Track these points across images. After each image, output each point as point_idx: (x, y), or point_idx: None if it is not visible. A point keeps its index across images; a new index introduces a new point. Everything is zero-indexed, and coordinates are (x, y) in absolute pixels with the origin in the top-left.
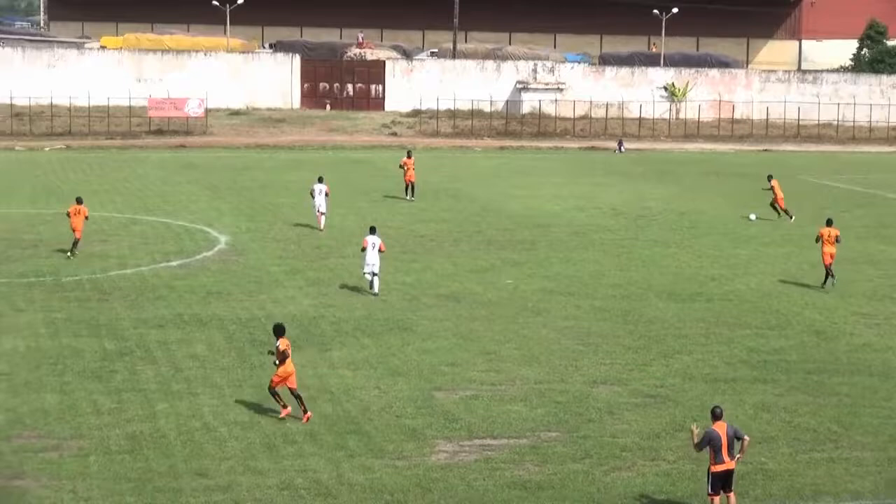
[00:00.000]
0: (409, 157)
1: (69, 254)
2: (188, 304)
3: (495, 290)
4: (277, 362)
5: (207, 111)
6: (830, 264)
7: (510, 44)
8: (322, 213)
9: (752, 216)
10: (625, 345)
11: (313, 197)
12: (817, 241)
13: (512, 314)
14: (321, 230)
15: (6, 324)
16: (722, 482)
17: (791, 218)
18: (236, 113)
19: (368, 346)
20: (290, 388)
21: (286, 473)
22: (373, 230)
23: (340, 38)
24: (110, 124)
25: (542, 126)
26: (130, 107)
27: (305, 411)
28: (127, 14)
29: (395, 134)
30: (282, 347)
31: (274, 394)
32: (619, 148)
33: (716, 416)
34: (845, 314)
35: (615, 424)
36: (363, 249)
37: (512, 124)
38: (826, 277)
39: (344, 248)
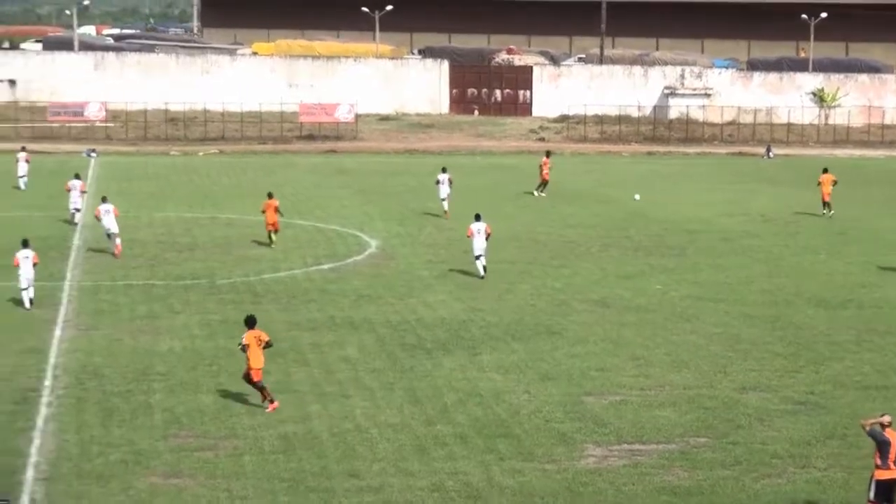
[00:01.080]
0: (547, 156)
1: (271, 243)
2: (340, 308)
3: (644, 296)
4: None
5: (357, 116)
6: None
7: (657, 49)
8: (443, 200)
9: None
10: (774, 351)
11: (438, 185)
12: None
13: (661, 320)
14: (446, 218)
15: (164, 325)
16: (887, 491)
17: (826, 211)
18: (386, 118)
19: (518, 350)
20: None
21: (437, 476)
22: (478, 217)
23: (488, 44)
24: (262, 129)
25: (689, 131)
26: (282, 112)
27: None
28: (278, 21)
29: (542, 139)
30: (244, 341)
31: (259, 388)
32: (768, 153)
33: (888, 424)
34: None
35: (765, 431)
36: (469, 237)
37: (659, 129)
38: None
39: (494, 252)
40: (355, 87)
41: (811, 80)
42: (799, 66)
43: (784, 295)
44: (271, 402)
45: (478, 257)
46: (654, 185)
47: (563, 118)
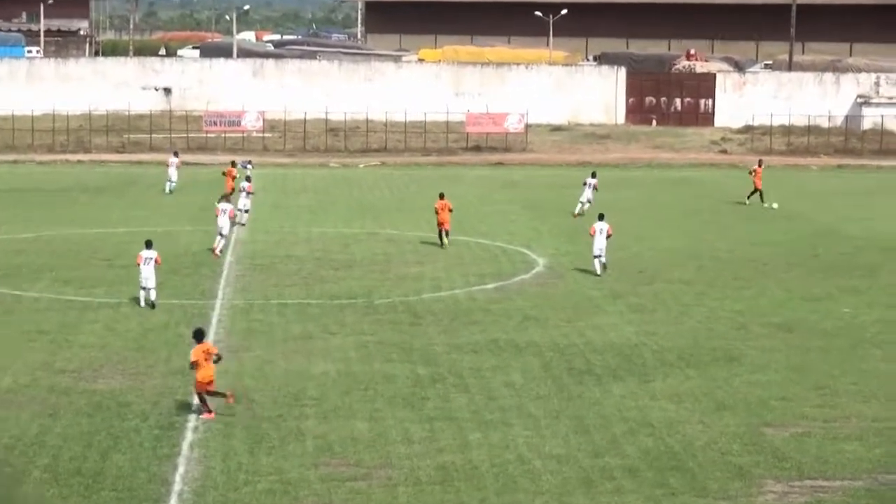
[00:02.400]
0: (759, 165)
1: (442, 244)
2: (504, 329)
3: (832, 320)
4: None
5: (527, 126)
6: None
7: (851, 55)
8: (585, 203)
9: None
10: None
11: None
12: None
13: (849, 346)
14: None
15: (317, 347)
16: None
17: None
18: (558, 128)
19: (693, 377)
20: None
21: None
22: (601, 217)
23: (668, 49)
24: (427, 140)
25: (884, 143)
26: (448, 122)
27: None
28: (446, 26)
29: (724, 151)
30: (192, 358)
31: (203, 399)
32: None
33: None
34: None
35: None
36: (591, 235)
37: (851, 141)
38: None
39: (670, 271)
40: (526, 95)
41: None
42: None
43: None
44: (209, 411)
45: (597, 256)
46: (845, 200)
47: (748, 129)
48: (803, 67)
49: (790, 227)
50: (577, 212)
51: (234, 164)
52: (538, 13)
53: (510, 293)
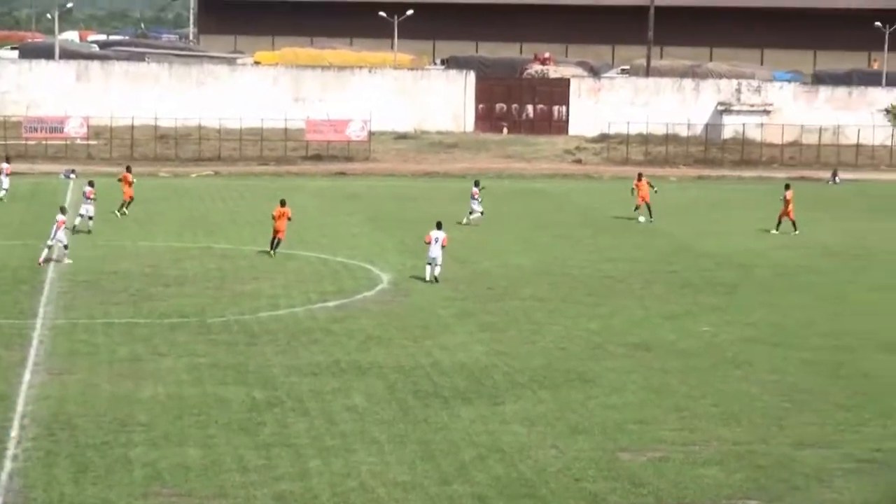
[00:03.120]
0: (639, 179)
1: (270, 254)
2: (346, 350)
3: (691, 339)
4: None
5: (371, 134)
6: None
7: (711, 60)
8: (477, 213)
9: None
10: (836, 402)
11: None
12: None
13: (709, 366)
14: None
15: (146, 369)
16: None
17: (795, 230)
18: (403, 136)
19: (546, 399)
20: None
21: None
22: (439, 226)
23: (520, 53)
24: (263, 148)
25: (745, 153)
26: (286, 129)
27: None
28: (284, 27)
29: (579, 161)
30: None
31: None
32: (834, 178)
33: None
34: None
35: (824, 493)
36: (427, 243)
37: (711, 151)
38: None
39: (521, 288)
40: (369, 101)
41: (885, 96)
42: (871, 79)
43: (849, 339)
44: None
45: (430, 263)
46: (704, 213)
47: (603, 137)
48: (661, 73)
49: (647, 242)
50: (469, 221)
51: (129, 168)
52: (382, 13)
53: (353, 311)
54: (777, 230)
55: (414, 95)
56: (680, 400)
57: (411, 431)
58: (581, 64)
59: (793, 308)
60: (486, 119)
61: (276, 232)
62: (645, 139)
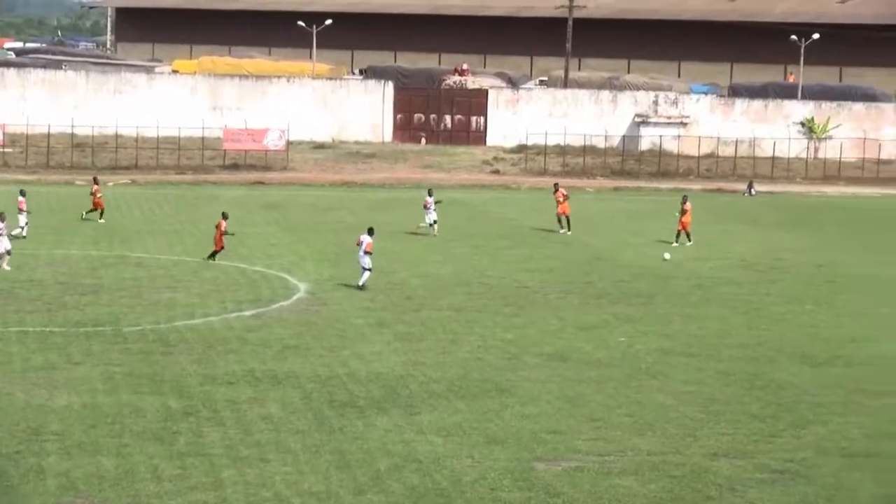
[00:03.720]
0: (556, 190)
1: (209, 258)
2: (262, 359)
3: (606, 350)
4: None
5: (289, 144)
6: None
7: (629, 72)
8: (428, 223)
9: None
10: (751, 413)
11: (426, 210)
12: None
13: (624, 377)
14: (435, 234)
15: (60, 378)
16: None
17: (689, 241)
18: (321, 146)
19: (462, 409)
20: None
21: None
22: (370, 231)
23: (439, 63)
24: (181, 157)
25: (662, 165)
26: (203, 138)
27: None
28: (202, 35)
29: (497, 171)
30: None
31: None
32: (750, 191)
33: None
34: None
35: (737, 503)
36: (357, 245)
37: (629, 163)
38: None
39: (438, 298)
40: (287, 110)
41: (800, 109)
42: (787, 92)
43: (764, 350)
44: None
45: (363, 268)
46: (621, 224)
47: (521, 148)
48: (579, 84)
49: (564, 253)
50: (427, 229)
51: (96, 180)
52: (301, 23)
53: (269, 321)
54: (677, 242)
55: (332, 105)
56: (595, 410)
57: (326, 441)
58: (499, 75)
59: (709, 319)
60: (405, 129)
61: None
62: (563, 150)
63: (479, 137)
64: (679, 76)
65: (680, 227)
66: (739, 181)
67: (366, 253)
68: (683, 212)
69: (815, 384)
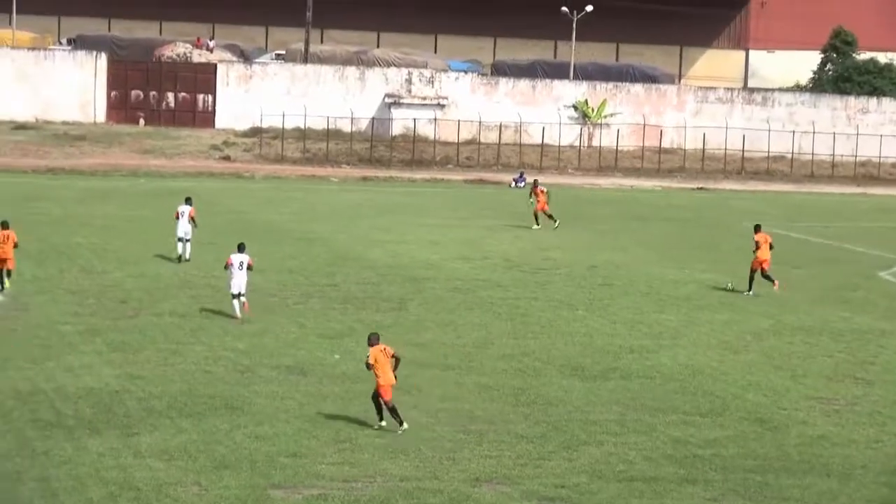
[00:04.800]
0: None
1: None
2: None
3: (353, 361)
4: None
5: None
6: (762, 270)
7: (378, 46)
8: (186, 241)
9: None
10: (517, 433)
11: (178, 220)
12: (754, 250)
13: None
14: (188, 259)
15: None
16: None
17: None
18: (22, 126)
19: (187, 429)
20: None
21: None
22: (241, 248)
23: (160, 33)
24: None
25: (416, 152)
26: None
27: None
28: None
29: (227, 158)
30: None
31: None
32: (517, 182)
33: None
34: (797, 398)
35: None
36: (227, 267)
37: (379, 149)
38: (751, 284)
39: (159, 303)
40: None
41: (572, 90)
42: (557, 71)
43: (531, 361)
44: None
45: (236, 296)
46: (369, 219)
47: (256, 132)
48: (322, 59)
49: (305, 252)
50: (187, 255)
51: None
52: None
53: None
54: (538, 225)
55: (35, 80)
56: (340, 430)
57: (30, 466)
58: (230, 47)
59: (469, 327)
60: (120, 108)
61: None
62: (303, 134)
63: (207, 119)
64: (436, 52)
65: (539, 210)
66: (504, 171)
67: (249, 269)
68: (538, 194)
69: (589, 400)
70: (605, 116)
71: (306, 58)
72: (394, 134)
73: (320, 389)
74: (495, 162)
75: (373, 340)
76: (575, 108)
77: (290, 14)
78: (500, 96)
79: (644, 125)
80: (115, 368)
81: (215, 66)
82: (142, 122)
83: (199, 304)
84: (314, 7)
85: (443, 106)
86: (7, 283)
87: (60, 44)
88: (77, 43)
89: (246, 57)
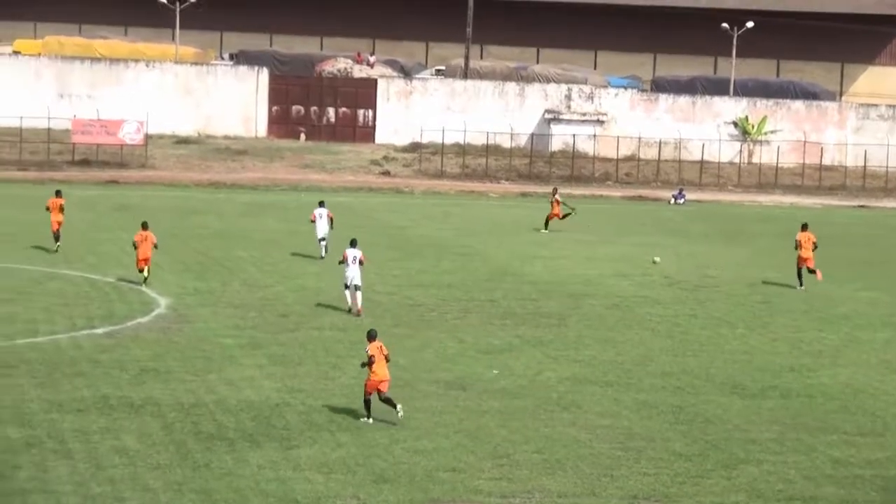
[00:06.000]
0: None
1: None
2: (116, 384)
3: (512, 377)
4: None
5: (148, 137)
6: (806, 267)
7: (538, 62)
8: (323, 240)
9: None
10: (675, 451)
11: (315, 223)
12: (796, 248)
13: (532, 408)
14: (322, 257)
15: None
16: None
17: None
18: (185, 141)
19: (346, 443)
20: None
21: None
22: (353, 243)
23: (320, 48)
24: (23, 151)
25: (575, 168)
26: (49, 129)
27: None
28: (48, 11)
29: (387, 173)
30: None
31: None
32: (677, 198)
33: None
34: None
35: None
36: (341, 262)
37: (538, 165)
38: (800, 280)
39: (319, 317)
40: (147, 99)
41: (732, 107)
42: (717, 87)
43: (690, 379)
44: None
45: (351, 287)
46: (529, 235)
47: (415, 147)
48: (482, 75)
49: (464, 267)
50: (324, 254)
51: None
52: None
53: (124, 340)
54: (546, 229)
55: (198, 94)
56: (499, 445)
57: (191, 478)
58: (390, 63)
59: (627, 344)
60: (281, 123)
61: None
62: (462, 150)
63: (367, 133)
64: (595, 67)
65: (551, 217)
66: (663, 188)
67: (361, 264)
68: (555, 203)
69: (748, 418)
70: (766, 133)
71: (466, 73)
72: (553, 150)
73: (479, 404)
74: (654, 178)
75: (372, 336)
76: (735, 124)
77: (450, 30)
78: (659, 112)
79: (804, 142)
80: (276, 381)
81: (376, 81)
82: (303, 136)
83: (359, 318)
84: (474, 23)
85: (602, 122)
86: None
87: (222, 59)
88: (239, 58)
89: (406, 72)
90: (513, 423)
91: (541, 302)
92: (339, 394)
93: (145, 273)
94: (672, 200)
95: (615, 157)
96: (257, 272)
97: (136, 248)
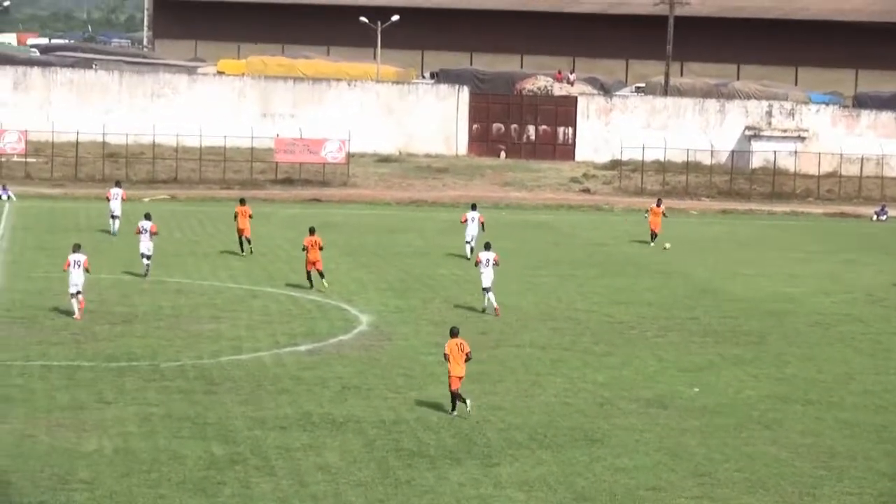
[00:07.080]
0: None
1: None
2: (318, 401)
3: (713, 395)
4: None
5: (350, 156)
6: None
7: (738, 78)
8: (469, 242)
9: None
10: (879, 470)
11: (465, 224)
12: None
13: (733, 426)
14: (468, 258)
15: (90, 419)
16: None
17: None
18: (386, 159)
19: (546, 461)
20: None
21: None
22: (487, 246)
23: (521, 66)
24: (227, 170)
25: (777, 185)
26: (253, 149)
27: None
28: (252, 32)
29: (587, 190)
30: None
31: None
32: (879, 215)
33: None
34: None
35: None
36: (476, 265)
37: (738, 182)
38: None
39: (519, 334)
40: (348, 118)
41: None
42: None
43: (893, 397)
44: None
45: (486, 290)
46: (729, 252)
47: (615, 164)
48: (682, 92)
49: (664, 284)
50: (468, 257)
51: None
52: (364, 19)
53: (326, 357)
54: (652, 242)
55: (399, 113)
56: (699, 464)
57: (392, 495)
58: (590, 80)
59: (830, 362)
60: (482, 141)
61: (311, 264)
62: (662, 167)
63: (567, 151)
64: (796, 83)
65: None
66: (866, 204)
67: (496, 265)
68: (654, 213)
69: None
70: None
71: (666, 90)
72: (753, 166)
73: (680, 423)
74: (856, 195)
75: (453, 333)
76: None
77: (650, 47)
78: (861, 129)
79: None
80: (476, 399)
81: (576, 98)
82: (503, 154)
83: (559, 337)
84: (674, 40)
85: (803, 138)
86: (324, 283)
87: (423, 77)
88: (440, 76)
89: (606, 90)
90: (713, 441)
91: (741, 319)
92: (539, 411)
93: (314, 276)
94: (875, 217)
95: (816, 174)
96: (458, 290)
97: (305, 251)
